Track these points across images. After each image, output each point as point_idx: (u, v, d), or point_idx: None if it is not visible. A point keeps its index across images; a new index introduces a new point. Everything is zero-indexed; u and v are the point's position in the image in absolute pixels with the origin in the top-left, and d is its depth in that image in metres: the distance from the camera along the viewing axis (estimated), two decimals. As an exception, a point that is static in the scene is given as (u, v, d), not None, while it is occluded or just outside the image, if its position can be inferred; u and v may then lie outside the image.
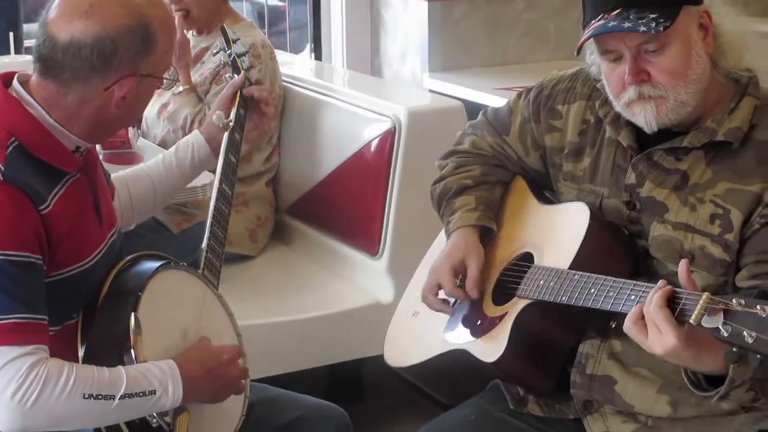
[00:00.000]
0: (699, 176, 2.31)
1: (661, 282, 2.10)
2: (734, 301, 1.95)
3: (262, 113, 2.87)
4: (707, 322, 1.98)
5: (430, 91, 4.83)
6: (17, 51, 4.28)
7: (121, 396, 2.17)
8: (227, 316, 2.54)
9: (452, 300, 2.55)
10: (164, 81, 2.36)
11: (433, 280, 2.53)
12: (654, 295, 2.07)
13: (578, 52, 2.33)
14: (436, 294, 2.53)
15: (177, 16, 4.01)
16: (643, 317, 2.08)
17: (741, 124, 2.29)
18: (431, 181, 2.72)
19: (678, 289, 2.06)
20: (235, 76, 2.96)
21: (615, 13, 2.24)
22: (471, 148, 2.68)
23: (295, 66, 4.66)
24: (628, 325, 2.10)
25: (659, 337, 2.05)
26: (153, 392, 2.21)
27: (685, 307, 2.03)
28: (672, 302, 2.05)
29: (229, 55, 3.01)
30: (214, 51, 3.18)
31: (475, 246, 2.52)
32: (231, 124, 2.73)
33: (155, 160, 2.77)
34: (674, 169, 2.34)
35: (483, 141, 2.66)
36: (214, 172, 2.76)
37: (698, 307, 1.99)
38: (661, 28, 2.20)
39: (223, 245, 2.61)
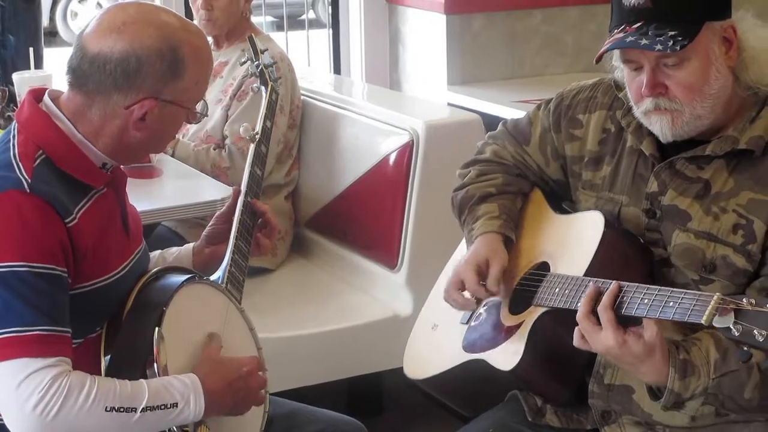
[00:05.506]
0: (721, 185, 2.32)
1: (614, 283, 2.18)
2: (745, 300, 1.98)
3: (258, 243, 2.67)
4: (718, 322, 2.00)
5: (449, 104, 4.83)
6: (37, 66, 4.30)
7: (143, 409, 2.16)
8: (249, 331, 2.54)
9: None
10: (195, 114, 2.33)
11: (456, 277, 2.51)
12: (605, 295, 2.17)
13: (597, 61, 2.34)
14: (461, 290, 2.51)
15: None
16: (594, 312, 2.18)
17: (763, 132, 2.30)
18: (450, 195, 2.72)
19: (624, 283, 2.17)
20: (263, 87, 2.95)
21: (636, 26, 2.25)
22: (493, 156, 2.68)
23: (314, 80, 4.67)
24: (579, 317, 2.20)
25: (600, 336, 2.16)
26: (175, 405, 2.20)
27: (624, 299, 2.16)
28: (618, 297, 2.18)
29: (257, 66, 3.00)
30: (242, 60, 3.17)
31: (499, 249, 2.51)
32: (257, 136, 2.72)
33: None
34: (696, 178, 2.34)
35: (504, 150, 2.67)
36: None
37: (709, 307, 2.01)
38: (678, 48, 2.20)
39: (247, 259, 2.58)
